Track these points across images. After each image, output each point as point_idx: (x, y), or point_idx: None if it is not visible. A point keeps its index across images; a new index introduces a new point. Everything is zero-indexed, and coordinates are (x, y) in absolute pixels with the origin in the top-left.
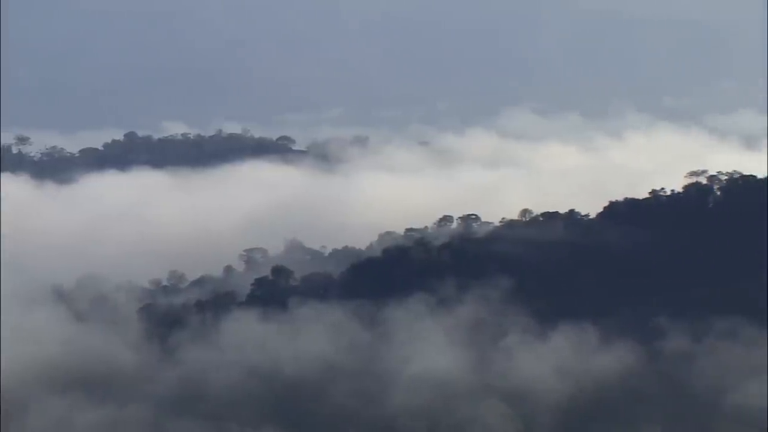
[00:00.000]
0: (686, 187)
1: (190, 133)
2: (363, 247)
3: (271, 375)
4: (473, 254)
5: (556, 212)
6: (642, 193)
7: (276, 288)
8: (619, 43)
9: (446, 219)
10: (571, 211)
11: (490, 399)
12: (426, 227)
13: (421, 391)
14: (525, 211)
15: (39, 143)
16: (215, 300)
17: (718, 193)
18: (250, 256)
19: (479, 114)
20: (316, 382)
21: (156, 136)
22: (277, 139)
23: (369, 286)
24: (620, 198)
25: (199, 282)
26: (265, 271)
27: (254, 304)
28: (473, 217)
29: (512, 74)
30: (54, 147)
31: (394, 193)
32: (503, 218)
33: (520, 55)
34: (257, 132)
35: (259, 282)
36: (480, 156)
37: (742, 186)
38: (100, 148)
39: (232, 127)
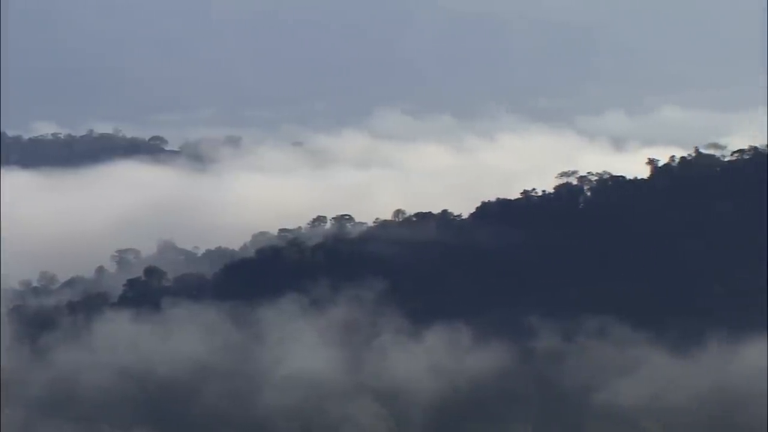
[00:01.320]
0: (557, 188)
1: (60, 133)
2: (236, 248)
3: (143, 376)
4: (347, 254)
5: (429, 212)
6: (514, 194)
7: (149, 289)
8: (490, 45)
9: (320, 219)
10: (444, 212)
11: (363, 399)
12: (299, 228)
13: (294, 391)
14: (398, 212)
15: None
16: (87, 301)
17: (588, 193)
18: (122, 257)
19: (352, 114)
20: (189, 382)
21: (26, 135)
22: (150, 139)
23: (242, 286)
24: (492, 198)
25: (71, 283)
26: (138, 272)
27: (126, 305)
28: (347, 217)
29: (384, 75)
30: None
31: (268, 193)
32: (376, 218)
33: (392, 56)
34: (129, 132)
35: (132, 283)
36: (353, 156)
37: (611, 187)
38: None
39: (103, 127)
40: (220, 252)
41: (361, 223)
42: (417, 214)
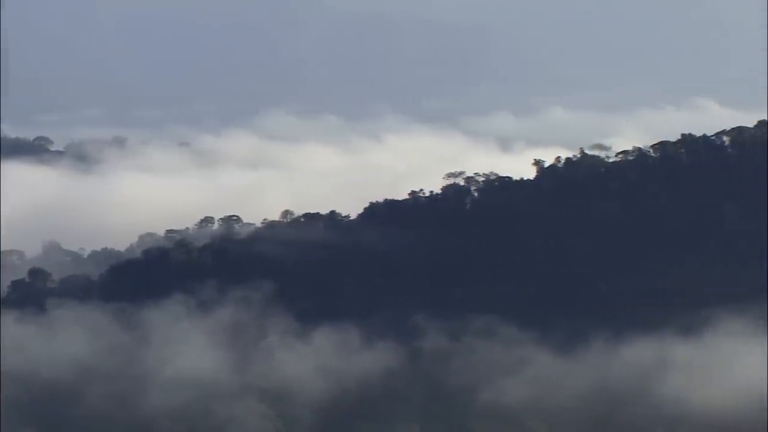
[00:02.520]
0: (444, 189)
1: None
2: (122, 249)
3: (28, 378)
4: (234, 255)
5: (317, 213)
6: (401, 194)
7: (33, 290)
8: (376, 45)
9: (207, 220)
10: (332, 212)
11: (250, 399)
12: (187, 228)
13: (180, 392)
14: (286, 212)
15: None
16: None
17: (475, 194)
18: (6, 259)
19: (239, 115)
20: (74, 384)
21: None
22: (34, 140)
23: (129, 287)
24: (380, 199)
25: None
26: (22, 273)
27: (11, 307)
28: (234, 218)
29: (271, 75)
30: None
31: (154, 194)
32: (264, 219)
33: (278, 56)
34: (13, 132)
35: (16, 284)
36: (240, 157)
37: (498, 187)
38: None
39: None
40: (106, 253)
41: (249, 224)
42: (305, 215)
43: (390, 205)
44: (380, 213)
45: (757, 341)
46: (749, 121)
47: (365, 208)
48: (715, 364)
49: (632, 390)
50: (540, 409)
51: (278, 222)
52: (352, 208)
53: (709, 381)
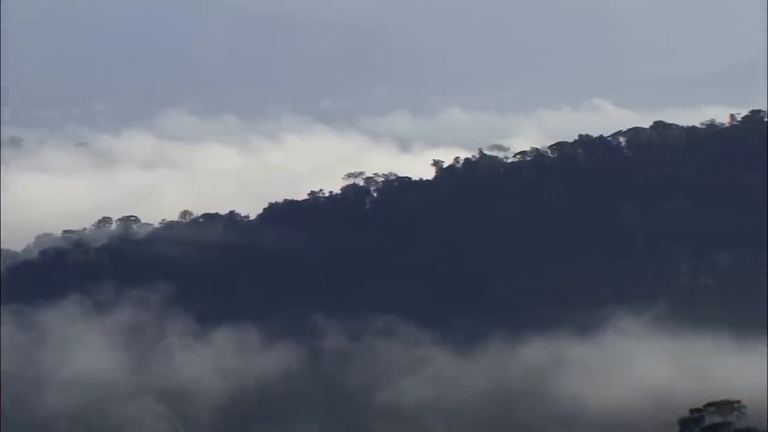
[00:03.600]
0: (344, 189)
1: None
2: (19, 249)
3: None
4: (132, 256)
5: (216, 213)
6: (301, 195)
7: None
8: (275, 45)
9: (105, 220)
10: (231, 213)
11: (148, 400)
12: (84, 229)
13: (77, 393)
14: (185, 213)
15: None
16: None
17: (375, 194)
18: None
19: (137, 115)
20: None
21: None
22: None
23: (25, 288)
24: (279, 199)
25: None
26: None
27: None
28: (132, 218)
29: (170, 75)
30: None
31: (51, 194)
32: (163, 219)
33: (177, 56)
34: None
35: None
36: (138, 157)
37: (397, 187)
38: None
39: None
40: (2, 253)
41: (147, 224)
42: (204, 215)
43: (289, 205)
44: (280, 213)
45: (653, 341)
46: (645, 121)
47: (264, 209)
48: (611, 363)
49: (529, 389)
50: (439, 409)
51: (177, 222)
52: (251, 208)
53: (606, 380)
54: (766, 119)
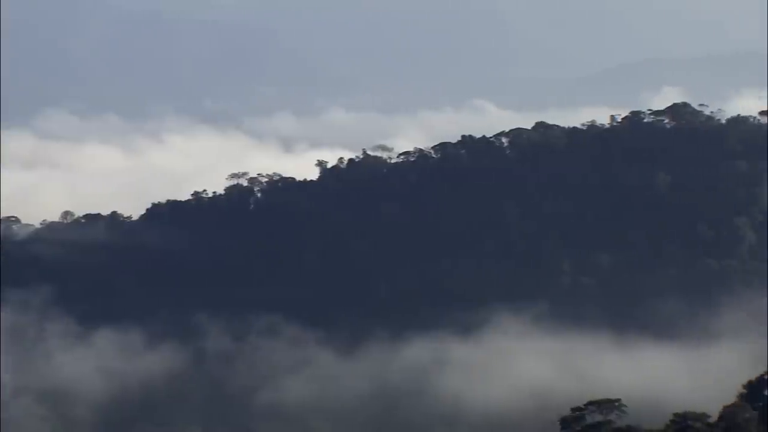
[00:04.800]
0: (227, 189)
1: None
2: None
3: None
4: (12, 257)
5: (98, 214)
6: (184, 195)
7: None
8: (158, 45)
9: None
10: (113, 213)
11: (27, 401)
12: None
13: None
14: (66, 213)
15: None
16: None
17: (259, 194)
18: None
19: (16, 114)
20: None
21: None
22: None
23: None
24: (162, 200)
25: None
26: None
27: None
28: (12, 219)
29: (50, 74)
30: None
31: None
32: (44, 220)
33: (58, 55)
34: None
35: None
36: (17, 157)
37: (281, 188)
38: None
39: None
40: None
41: (28, 225)
42: (86, 216)
43: (172, 205)
44: (162, 214)
45: (534, 340)
46: (527, 122)
47: (147, 209)
48: (493, 362)
49: (412, 388)
50: (322, 408)
51: (58, 223)
52: (133, 208)
53: (487, 379)
54: (646, 120)
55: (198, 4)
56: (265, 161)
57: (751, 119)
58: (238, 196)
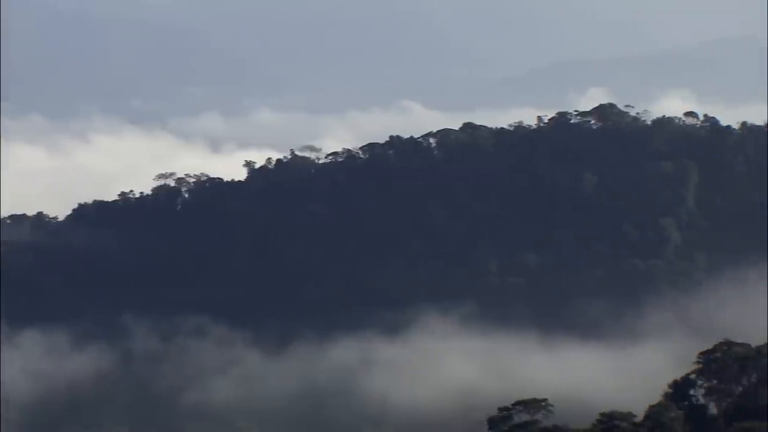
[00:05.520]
0: (155, 190)
1: None
2: None
3: None
4: None
5: (24, 214)
6: (111, 196)
7: None
8: (83, 44)
9: None
10: (39, 214)
11: None
12: None
13: None
14: None
15: None
16: None
17: (186, 195)
18: None
19: None
20: None
21: None
22: None
23: None
24: (89, 200)
25: None
26: None
27: None
28: None
29: None
30: None
31: None
32: None
33: None
34: None
35: None
36: None
37: (209, 188)
38: None
39: None
40: None
41: None
42: (11, 216)
43: (99, 206)
44: (89, 214)
45: (461, 340)
46: (454, 123)
47: (74, 209)
48: (420, 363)
49: (339, 388)
50: (249, 409)
51: None
52: (60, 209)
53: (414, 379)
54: (572, 121)
55: (126, 4)
56: (193, 161)
57: (677, 120)
58: (165, 196)
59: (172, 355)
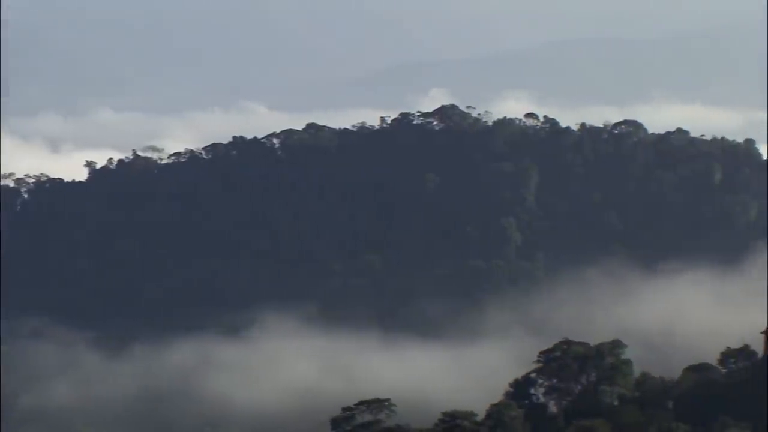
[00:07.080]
0: None
1: None
2: None
3: None
4: None
5: None
6: None
7: None
8: None
9: None
10: None
11: None
12: None
13: None
14: None
15: None
16: None
17: (26, 196)
18: None
19: None
20: None
21: None
22: None
23: None
24: None
25: None
26: None
27: None
28: None
29: None
30: None
31: None
32: None
33: None
34: None
35: None
36: None
37: (49, 189)
38: None
39: None
40: None
41: None
42: None
43: None
44: None
45: (304, 340)
46: (298, 124)
47: None
48: (260, 363)
49: (178, 389)
50: (87, 411)
51: None
52: None
53: (254, 380)
54: (415, 122)
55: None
56: (32, 162)
57: (517, 121)
58: (3, 197)
59: (9, 358)
